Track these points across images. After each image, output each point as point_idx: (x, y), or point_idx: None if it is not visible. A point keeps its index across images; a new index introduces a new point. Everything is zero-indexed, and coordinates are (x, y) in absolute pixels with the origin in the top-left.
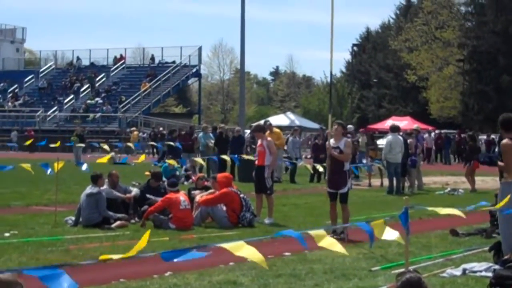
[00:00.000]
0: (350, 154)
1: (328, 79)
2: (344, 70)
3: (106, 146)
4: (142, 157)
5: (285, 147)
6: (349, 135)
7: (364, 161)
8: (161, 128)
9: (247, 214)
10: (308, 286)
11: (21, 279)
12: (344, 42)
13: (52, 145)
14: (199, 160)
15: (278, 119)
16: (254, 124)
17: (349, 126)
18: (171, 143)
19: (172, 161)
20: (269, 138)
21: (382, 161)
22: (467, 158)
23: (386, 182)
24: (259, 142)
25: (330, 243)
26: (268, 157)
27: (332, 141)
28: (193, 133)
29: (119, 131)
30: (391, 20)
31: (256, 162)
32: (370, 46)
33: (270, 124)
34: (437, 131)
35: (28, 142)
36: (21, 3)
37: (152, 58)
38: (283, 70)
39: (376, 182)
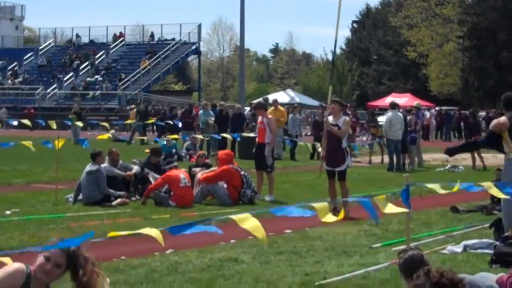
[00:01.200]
0: (347, 130)
1: (328, 56)
2: (344, 47)
3: (105, 124)
4: (143, 138)
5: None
6: (348, 112)
7: (365, 138)
8: (160, 106)
9: (247, 191)
10: (309, 263)
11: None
12: (344, 19)
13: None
14: (199, 137)
15: (278, 96)
16: (255, 101)
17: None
18: (170, 121)
19: (172, 136)
20: (269, 116)
21: (382, 138)
22: (469, 135)
23: (386, 159)
24: (259, 119)
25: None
26: (268, 134)
27: (330, 118)
28: (192, 111)
29: (119, 108)
30: None
31: (257, 139)
32: (370, 23)
33: (276, 101)
34: (437, 108)
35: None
36: None
37: (152, 36)
38: (282, 47)
39: (376, 159)
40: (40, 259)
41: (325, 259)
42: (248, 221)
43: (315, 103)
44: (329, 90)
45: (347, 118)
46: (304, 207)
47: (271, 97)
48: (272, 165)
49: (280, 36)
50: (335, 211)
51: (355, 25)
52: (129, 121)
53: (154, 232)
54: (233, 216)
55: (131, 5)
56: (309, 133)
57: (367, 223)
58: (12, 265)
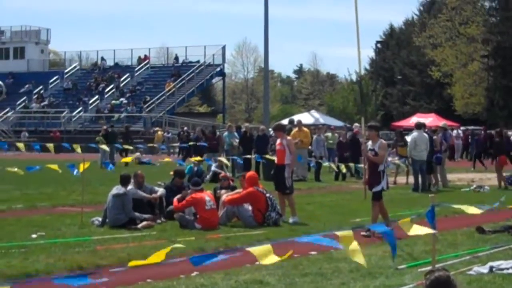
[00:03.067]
0: (384, 155)
1: (353, 77)
2: (368, 67)
3: (130, 147)
4: (167, 159)
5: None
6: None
7: (390, 158)
8: (185, 128)
9: (272, 214)
10: (334, 285)
11: None
12: (368, 39)
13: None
14: (223, 159)
15: (303, 118)
16: (275, 124)
17: (356, 125)
18: (194, 143)
19: (196, 158)
20: (288, 137)
21: (407, 158)
22: (495, 154)
23: (411, 179)
24: (278, 141)
25: (354, 250)
26: (288, 156)
27: (369, 143)
28: (215, 132)
29: (144, 131)
30: (415, 17)
31: (276, 161)
32: (394, 43)
33: (300, 122)
34: (462, 128)
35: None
36: (45, 4)
37: (176, 58)
38: (307, 68)
39: (401, 180)
40: None
41: (351, 280)
42: (268, 258)
43: (340, 124)
44: (361, 120)
45: (384, 142)
46: (328, 236)
47: (295, 118)
48: (291, 187)
49: (304, 57)
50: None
51: (379, 45)
52: (154, 144)
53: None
54: (251, 249)
55: (156, 27)
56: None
57: None
58: None
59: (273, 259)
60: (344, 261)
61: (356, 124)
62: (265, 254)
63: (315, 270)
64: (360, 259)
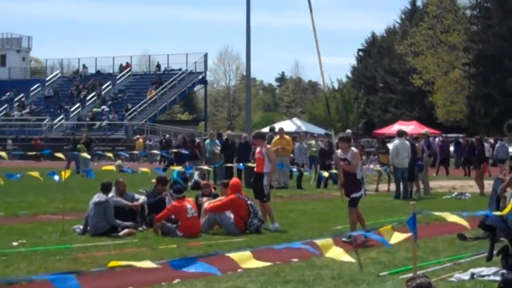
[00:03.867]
0: (357, 164)
1: (335, 85)
2: (350, 75)
3: (110, 154)
4: (146, 170)
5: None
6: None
7: (372, 166)
8: (167, 136)
9: (254, 221)
10: None
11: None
12: (350, 47)
13: (57, 154)
14: (204, 167)
15: (285, 125)
16: (255, 132)
17: (348, 131)
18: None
19: (177, 167)
20: (268, 146)
21: (389, 166)
22: (476, 162)
23: (393, 187)
24: (257, 149)
25: (337, 253)
26: (267, 164)
27: (339, 152)
28: (195, 140)
29: (125, 138)
30: (397, 25)
31: (255, 169)
32: (375, 51)
33: (282, 130)
34: (443, 135)
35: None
36: (26, 12)
37: (158, 66)
38: (288, 76)
39: (383, 187)
40: None
41: (333, 287)
42: (249, 262)
43: (321, 131)
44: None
45: (355, 150)
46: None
47: (277, 125)
48: (268, 195)
49: (286, 65)
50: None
51: (360, 53)
52: (135, 152)
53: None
54: (232, 255)
55: (138, 35)
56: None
57: (374, 251)
58: None
59: (254, 264)
60: (326, 268)
61: (348, 130)
62: (245, 260)
63: (297, 277)
64: (347, 258)
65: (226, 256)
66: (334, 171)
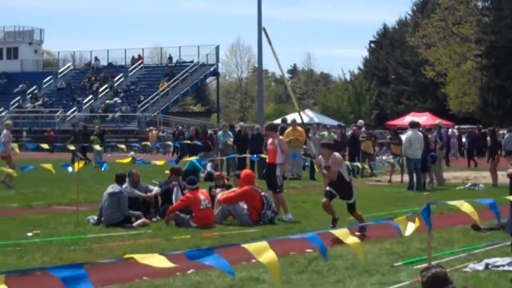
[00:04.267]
0: (336, 170)
1: (347, 76)
2: (361, 67)
3: (123, 146)
4: (160, 163)
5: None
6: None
7: (385, 157)
8: (180, 127)
9: (268, 212)
10: (330, 282)
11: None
12: (362, 39)
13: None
14: (217, 158)
15: (297, 117)
16: (267, 123)
17: (360, 121)
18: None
19: (190, 158)
20: (280, 137)
21: (401, 157)
22: (490, 153)
23: (406, 178)
24: (270, 140)
25: (355, 242)
26: (280, 155)
27: (322, 160)
28: (207, 132)
29: (138, 130)
30: (408, 16)
31: (268, 160)
32: (387, 43)
33: (294, 121)
34: (456, 127)
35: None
36: (38, 4)
37: (170, 58)
38: (300, 68)
39: (396, 178)
40: None
41: (347, 278)
42: (266, 254)
43: (334, 123)
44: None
45: (336, 155)
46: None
47: (289, 117)
48: (281, 186)
49: (298, 57)
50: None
51: (372, 45)
52: (147, 143)
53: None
54: (246, 246)
55: (150, 28)
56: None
57: (388, 241)
58: None
59: (270, 255)
60: (340, 258)
61: (361, 121)
62: (262, 251)
63: (311, 267)
64: (360, 253)
65: (241, 247)
66: (347, 162)
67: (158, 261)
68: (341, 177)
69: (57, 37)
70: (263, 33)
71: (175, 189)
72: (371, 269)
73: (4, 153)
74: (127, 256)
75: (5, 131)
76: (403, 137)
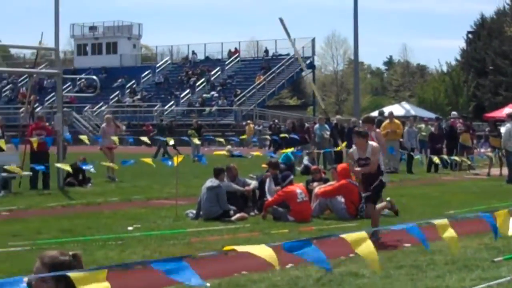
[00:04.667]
0: (377, 161)
1: (443, 68)
2: (459, 58)
3: (221, 140)
4: (257, 153)
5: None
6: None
7: (483, 149)
8: (276, 120)
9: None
10: (430, 278)
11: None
12: (459, 29)
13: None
14: (314, 152)
15: (393, 109)
16: (364, 116)
17: (453, 113)
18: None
19: (287, 150)
20: (377, 130)
21: (500, 149)
22: None
23: (505, 171)
24: None
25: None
26: None
27: (355, 151)
28: (304, 125)
29: (234, 124)
30: (507, 6)
31: None
32: (485, 33)
33: (391, 114)
34: None
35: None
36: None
37: (266, 51)
38: (397, 60)
39: (495, 171)
40: None
41: (446, 273)
42: (364, 245)
43: (431, 115)
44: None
45: (374, 145)
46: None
47: (386, 110)
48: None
49: (394, 49)
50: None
51: (470, 35)
52: (244, 137)
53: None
54: (345, 236)
55: (246, 21)
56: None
57: (487, 236)
58: None
59: (368, 246)
60: (439, 253)
61: (454, 112)
62: (360, 241)
63: (410, 262)
64: (455, 248)
65: (338, 240)
66: (444, 156)
67: (259, 249)
68: (378, 168)
69: (155, 31)
70: (280, 24)
71: (267, 180)
72: (470, 264)
73: (108, 144)
74: (227, 248)
75: (104, 124)
76: (502, 129)
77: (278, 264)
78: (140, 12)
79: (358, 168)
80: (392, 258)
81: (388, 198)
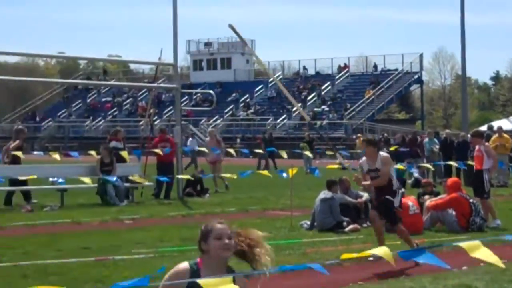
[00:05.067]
0: (387, 172)
1: None
2: None
3: (331, 153)
4: None
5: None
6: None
7: None
8: (385, 134)
9: (476, 219)
10: None
11: None
12: None
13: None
14: (426, 165)
15: (502, 124)
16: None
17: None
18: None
19: (399, 166)
20: (486, 143)
21: None
22: None
23: None
24: (476, 147)
25: None
26: (486, 161)
27: (365, 162)
28: (417, 139)
29: (345, 137)
30: None
31: (475, 167)
32: None
33: (500, 128)
34: None
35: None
36: (249, 16)
37: (375, 66)
38: (504, 74)
39: None
40: (217, 242)
41: None
42: (479, 250)
43: None
44: None
45: (384, 154)
46: None
47: (494, 124)
48: (488, 192)
49: (501, 64)
50: None
51: None
52: (356, 150)
53: (384, 252)
54: (462, 244)
55: (355, 37)
56: None
57: None
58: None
59: (483, 253)
60: None
61: None
62: (474, 249)
63: None
64: None
65: (451, 252)
66: None
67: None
68: (389, 182)
69: (267, 47)
70: (231, 29)
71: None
72: None
73: (210, 159)
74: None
75: (208, 138)
76: None
77: (394, 262)
78: (253, 28)
79: (367, 182)
80: (505, 271)
81: None
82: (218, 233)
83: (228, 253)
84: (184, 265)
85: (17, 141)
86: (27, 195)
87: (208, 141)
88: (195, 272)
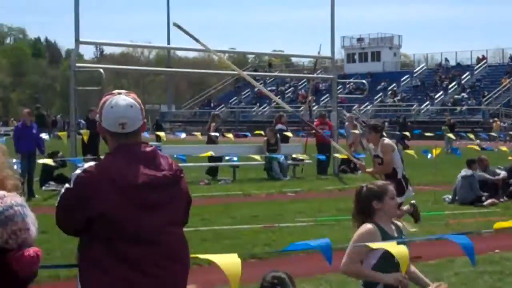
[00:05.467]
0: (390, 160)
1: None
2: None
3: (472, 136)
4: (504, 149)
5: None
6: None
7: None
8: None
9: None
10: None
11: None
12: None
13: (426, 134)
14: None
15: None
16: None
17: None
18: None
19: None
20: None
21: None
22: None
23: None
24: None
25: None
26: None
27: (371, 147)
28: None
29: (482, 121)
30: None
31: None
32: None
33: None
34: None
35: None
36: (397, 14)
37: (510, 57)
38: None
39: None
40: (392, 202)
41: None
42: None
43: None
44: None
45: (385, 142)
46: None
47: None
48: None
49: None
50: None
51: None
52: (492, 133)
53: None
54: None
55: (493, 30)
56: None
57: None
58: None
59: None
60: None
61: None
62: None
63: None
64: None
65: None
66: None
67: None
68: (394, 172)
69: (412, 41)
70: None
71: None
72: None
73: (350, 141)
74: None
75: (346, 123)
76: None
77: None
78: (400, 25)
79: (369, 169)
80: None
81: (412, 201)
82: (393, 194)
83: (397, 212)
84: (370, 225)
85: (213, 124)
86: (215, 171)
87: (346, 125)
88: (381, 229)
